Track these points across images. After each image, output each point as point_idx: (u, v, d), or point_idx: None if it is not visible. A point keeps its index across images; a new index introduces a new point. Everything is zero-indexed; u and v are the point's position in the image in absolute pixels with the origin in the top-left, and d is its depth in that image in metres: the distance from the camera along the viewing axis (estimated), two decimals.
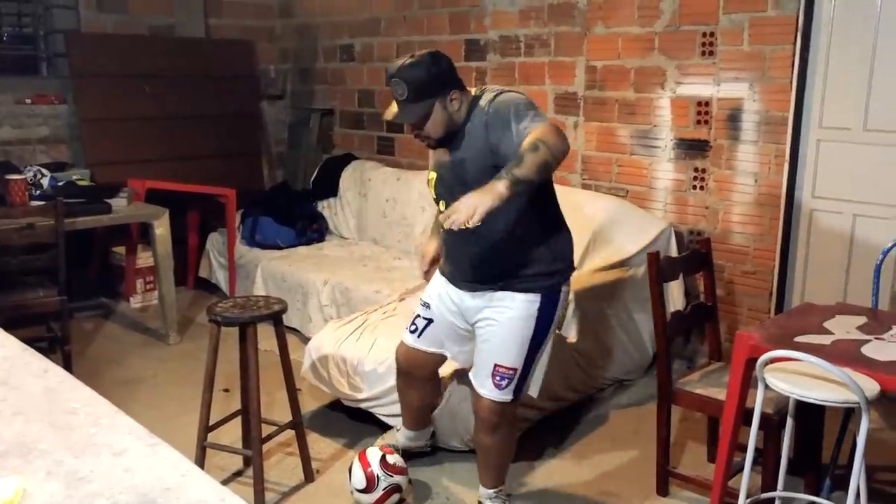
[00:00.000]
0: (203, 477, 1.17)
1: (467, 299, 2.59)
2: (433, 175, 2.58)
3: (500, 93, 2.42)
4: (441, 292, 2.70)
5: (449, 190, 2.46)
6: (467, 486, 2.93)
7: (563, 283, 2.57)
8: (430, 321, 2.73)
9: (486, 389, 2.54)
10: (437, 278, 2.75)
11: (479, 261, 2.52)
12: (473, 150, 2.41)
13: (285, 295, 4.34)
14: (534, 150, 2.13)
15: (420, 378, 2.86)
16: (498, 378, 2.51)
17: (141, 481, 1.15)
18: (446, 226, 2.14)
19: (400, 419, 3.05)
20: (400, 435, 3.03)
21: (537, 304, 2.50)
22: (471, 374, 2.63)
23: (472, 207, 2.06)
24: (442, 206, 2.53)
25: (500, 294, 2.51)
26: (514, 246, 2.48)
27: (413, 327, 2.78)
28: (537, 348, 2.56)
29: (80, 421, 1.34)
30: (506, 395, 2.54)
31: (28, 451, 1.23)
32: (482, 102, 2.42)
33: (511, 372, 2.51)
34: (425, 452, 3.10)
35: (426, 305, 2.75)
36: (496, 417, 2.56)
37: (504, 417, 2.58)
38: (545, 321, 2.53)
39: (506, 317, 2.50)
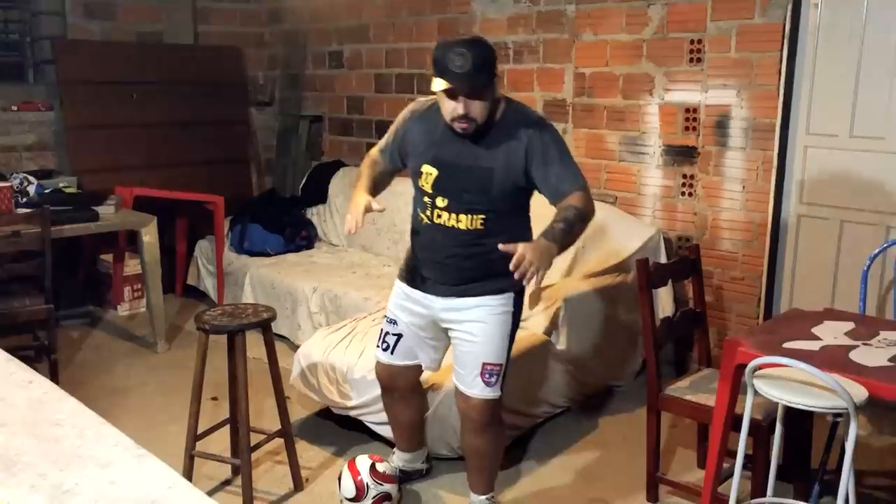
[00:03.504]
0: (190, 489, 1.16)
1: (441, 303, 2.58)
2: (433, 171, 2.47)
3: (542, 120, 2.53)
4: (404, 304, 2.68)
5: (457, 190, 2.44)
6: (457, 494, 2.92)
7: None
8: (399, 336, 2.72)
9: (477, 389, 2.55)
10: (396, 290, 2.73)
11: (464, 267, 2.51)
12: (504, 164, 2.41)
13: (274, 302, 4.32)
14: (581, 221, 2.33)
15: (404, 390, 2.84)
16: (487, 375, 2.53)
17: (127, 494, 1.14)
18: (531, 286, 2.22)
19: (391, 434, 3.04)
20: (395, 458, 3.00)
21: (512, 300, 2.56)
22: (455, 379, 2.63)
23: (537, 269, 2.14)
24: (441, 201, 2.47)
25: (478, 297, 2.53)
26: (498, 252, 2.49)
27: (385, 345, 2.75)
28: (512, 344, 2.61)
29: (66, 433, 1.33)
30: (495, 392, 2.56)
31: (12, 463, 1.22)
32: (521, 117, 2.45)
33: (498, 368, 2.55)
34: (423, 475, 3.07)
35: (392, 322, 2.72)
36: (486, 416, 2.57)
37: (494, 416, 2.61)
38: (517, 317, 2.60)
39: (487, 314, 2.52)
